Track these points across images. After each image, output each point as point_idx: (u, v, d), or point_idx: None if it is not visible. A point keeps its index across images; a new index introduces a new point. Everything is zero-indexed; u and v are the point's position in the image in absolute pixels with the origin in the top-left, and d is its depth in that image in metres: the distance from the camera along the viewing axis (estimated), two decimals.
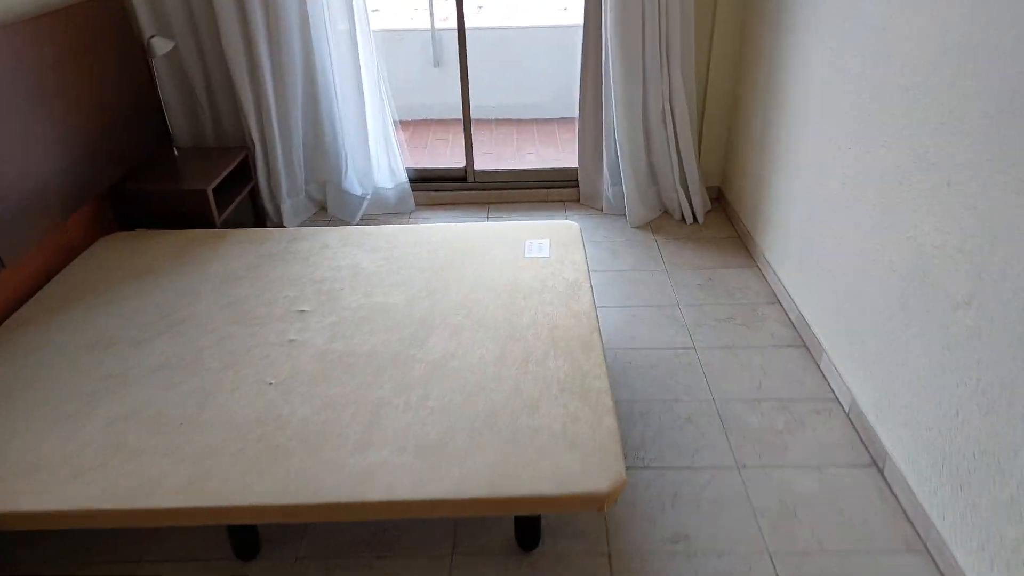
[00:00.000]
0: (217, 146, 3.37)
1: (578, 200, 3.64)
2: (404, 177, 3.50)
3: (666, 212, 3.47)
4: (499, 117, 5.21)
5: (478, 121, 5.14)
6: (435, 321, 2.09)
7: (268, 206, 3.40)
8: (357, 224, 3.46)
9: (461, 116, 3.54)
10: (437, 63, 5.12)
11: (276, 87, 3.16)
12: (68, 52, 2.52)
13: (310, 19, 3.11)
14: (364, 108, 3.30)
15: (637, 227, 3.36)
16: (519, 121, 5.17)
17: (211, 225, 2.82)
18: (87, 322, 2.12)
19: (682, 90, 3.16)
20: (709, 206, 3.49)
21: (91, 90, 2.63)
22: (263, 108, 3.16)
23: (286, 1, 3.01)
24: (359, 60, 3.21)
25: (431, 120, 5.14)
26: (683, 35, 3.09)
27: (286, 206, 3.40)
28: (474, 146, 4.64)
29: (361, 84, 3.25)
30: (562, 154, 4.50)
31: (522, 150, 4.62)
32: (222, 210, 2.92)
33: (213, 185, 2.82)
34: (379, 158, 3.46)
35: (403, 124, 5.10)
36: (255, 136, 3.23)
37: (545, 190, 3.63)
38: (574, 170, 3.61)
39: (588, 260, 3.08)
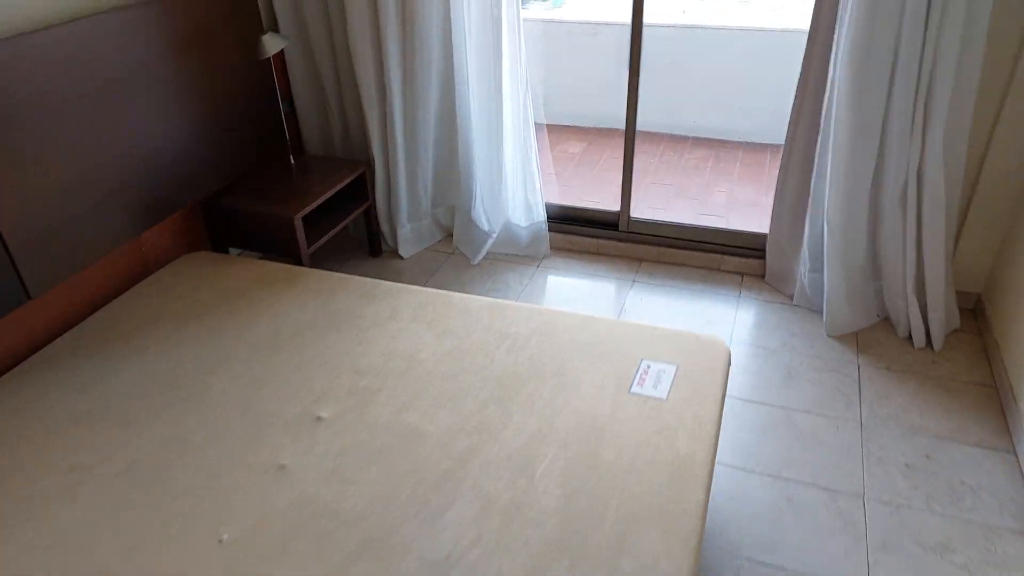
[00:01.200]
0: (341, 157, 3.03)
1: (762, 276, 2.77)
2: (542, 215, 2.89)
3: (885, 322, 2.49)
4: (698, 135, 4.35)
5: (672, 138, 4.33)
6: (465, 482, 1.49)
7: (384, 228, 3.00)
8: (478, 263, 2.93)
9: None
10: None
11: (405, 92, 2.70)
12: (180, 41, 2.26)
13: (451, 9, 2.58)
14: (501, 124, 2.73)
15: (836, 337, 2.43)
16: (723, 143, 4.27)
17: (297, 254, 2.46)
18: (94, 381, 1.82)
19: (940, 162, 2.16)
20: (957, 325, 2.44)
21: (203, 86, 2.36)
22: (388, 116, 2.72)
23: None
24: (501, 62, 2.63)
25: (615, 131, 4.43)
26: (959, 87, 2.09)
27: (404, 231, 2.97)
28: (654, 171, 3.90)
29: (500, 94, 2.68)
30: (765, 197, 3.57)
31: (712, 185, 3.76)
32: (316, 238, 2.55)
33: (305, 212, 2.44)
34: (514, 188, 2.88)
35: (581, 133, 4.45)
36: (376, 149, 2.81)
37: (719, 255, 2.81)
38: (763, 236, 2.74)
39: (744, 382, 2.26)
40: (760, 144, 4.22)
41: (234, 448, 1.60)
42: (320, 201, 2.51)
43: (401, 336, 1.95)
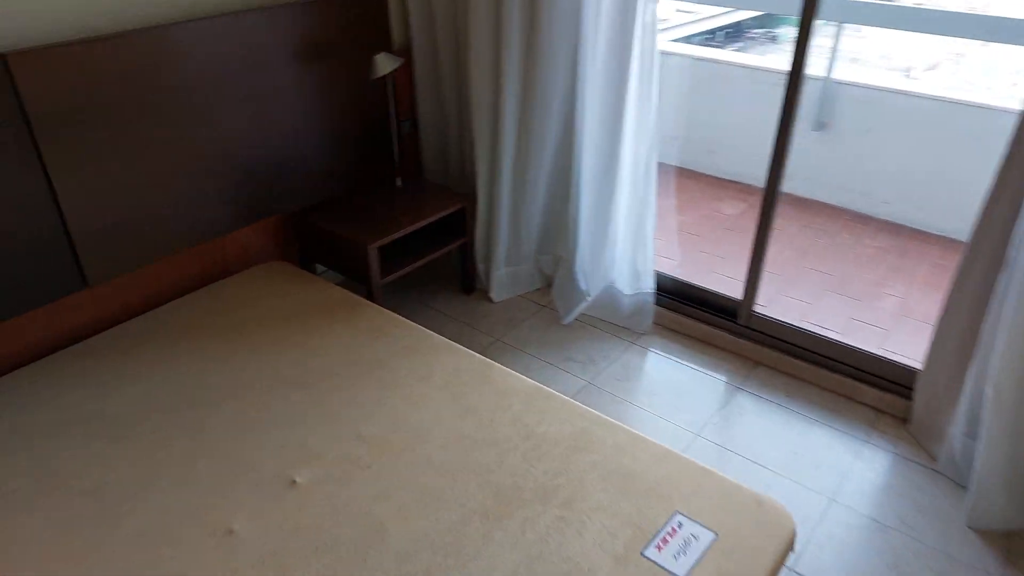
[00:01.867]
0: (449, 187, 2.90)
1: (904, 421, 2.19)
2: (650, 286, 2.54)
3: None
4: (886, 218, 3.68)
5: (853, 216, 3.71)
6: None
7: (480, 267, 2.81)
8: (568, 323, 2.65)
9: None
10: (820, 125, 3.80)
11: (521, 126, 2.49)
12: (309, 49, 2.25)
13: (581, 38, 2.31)
14: (616, 175, 2.42)
15: (978, 531, 1.84)
16: (914, 234, 3.57)
17: (369, 284, 2.35)
18: (114, 384, 1.80)
19: None
20: None
21: (321, 96, 2.34)
22: (498, 149, 2.53)
23: (556, 9, 2.28)
24: (624, 101, 2.31)
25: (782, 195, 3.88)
26: None
27: (498, 274, 2.76)
28: (819, 254, 3.33)
29: (619, 139, 2.37)
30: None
31: (884, 285, 3.13)
32: (396, 268, 2.42)
33: (382, 243, 2.32)
34: (622, 250, 2.55)
35: (744, 192, 3.96)
36: (482, 182, 2.63)
37: (855, 381, 2.27)
38: (913, 372, 2.17)
39: (826, 564, 1.75)
40: (961, 243, 3.48)
41: (192, 500, 1.48)
42: (401, 234, 2.37)
43: (421, 405, 1.74)
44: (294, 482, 1.52)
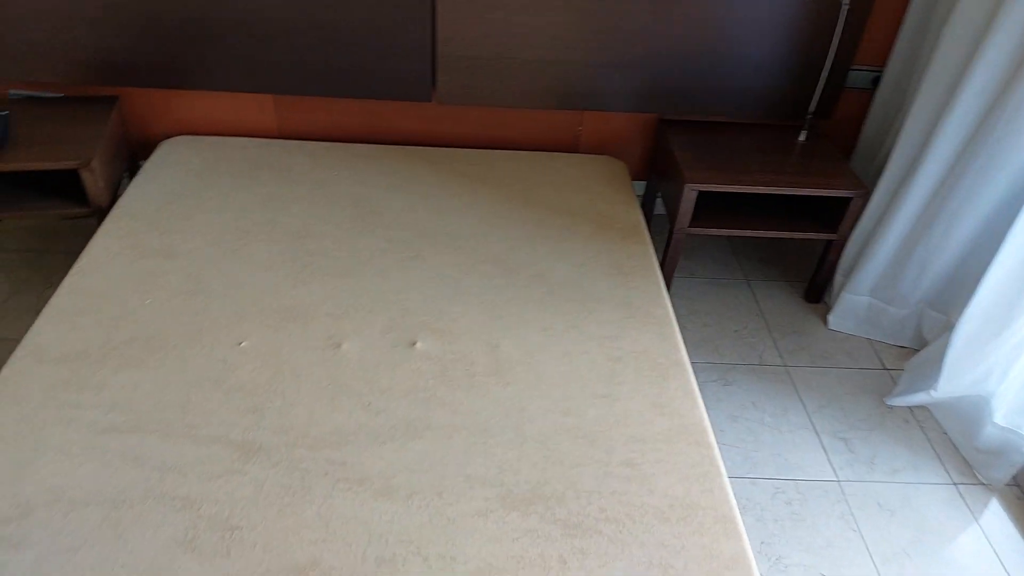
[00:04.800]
0: (860, 170, 2.22)
1: None
2: None
3: None
4: None
5: None
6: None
7: (837, 280, 2.15)
8: (892, 407, 1.89)
9: None
10: None
11: (958, 158, 1.70)
12: None
13: None
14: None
15: None
16: None
17: (671, 222, 2.03)
18: (383, 188, 2.00)
19: None
20: None
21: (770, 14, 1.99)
22: (918, 167, 1.79)
23: None
24: None
25: None
26: None
27: (854, 300, 2.09)
28: None
29: None
30: None
31: None
32: (711, 223, 2.03)
33: (706, 187, 1.93)
34: (1016, 375, 1.64)
35: None
36: (885, 188, 1.94)
37: None
38: None
39: None
40: None
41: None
42: (743, 189, 1.94)
43: (576, 358, 1.51)
44: (414, 344, 1.52)
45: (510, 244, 1.85)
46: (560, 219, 1.95)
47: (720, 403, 1.87)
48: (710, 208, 2.11)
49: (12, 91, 2.04)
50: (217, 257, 1.71)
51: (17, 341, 1.82)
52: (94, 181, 1.82)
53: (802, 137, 2.18)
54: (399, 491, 1.22)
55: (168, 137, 2.17)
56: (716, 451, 1.33)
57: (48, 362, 1.41)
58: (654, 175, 2.33)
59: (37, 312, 1.91)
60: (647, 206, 2.43)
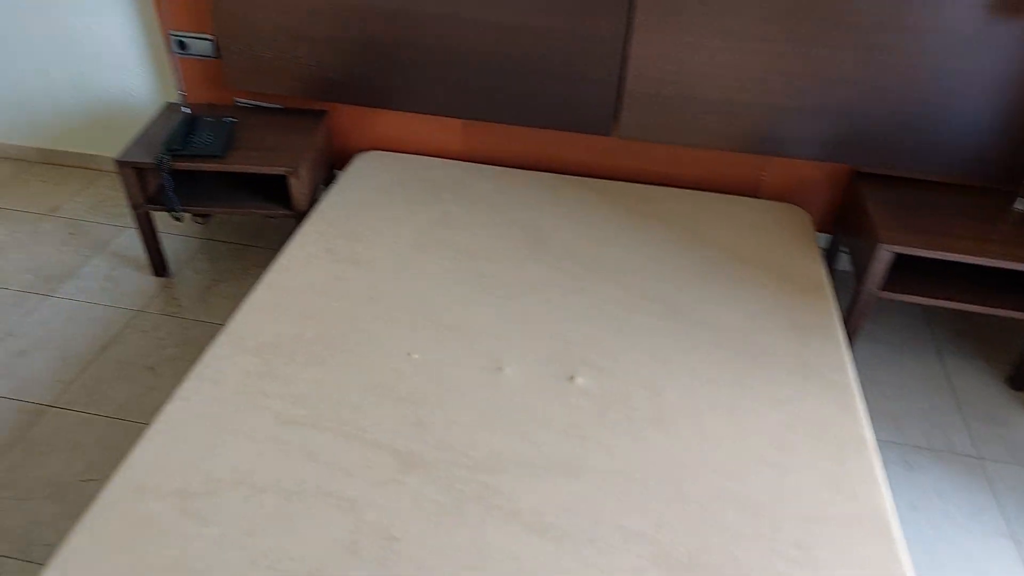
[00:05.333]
0: None
1: None
2: None
3: None
4: None
5: None
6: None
7: None
8: None
9: None
10: None
11: None
12: None
13: None
14: None
15: None
16: None
17: (859, 284, 1.86)
18: (552, 216, 2.00)
19: None
20: None
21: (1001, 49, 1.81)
22: None
23: None
24: None
25: None
26: None
27: None
28: None
29: None
30: None
31: None
32: (905, 287, 1.84)
33: (905, 249, 1.75)
34: None
35: None
36: None
37: None
38: None
39: None
40: None
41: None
42: (943, 255, 1.75)
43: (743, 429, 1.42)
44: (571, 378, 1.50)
45: (678, 285, 1.79)
46: (733, 265, 1.87)
47: (900, 488, 1.69)
48: (904, 271, 1.93)
49: (237, 100, 2.29)
50: (396, 268, 1.80)
51: (219, 325, 2.03)
52: (299, 187, 1.99)
53: (1020, 206, 1.94)
54: (551, 530, 1.21)
55: (362, 150, 2.33)
56: (902, 546, 1.19)
57: (245, 351, 1.54)
58: (841, 229, 2.17)
59: (236, 299, 2.12)
60: (830, 261, 2.27)
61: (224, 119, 2.08)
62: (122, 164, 1.94)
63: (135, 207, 2.02)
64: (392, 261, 1.83)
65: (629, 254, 1.89)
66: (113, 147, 2.60)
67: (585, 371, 1.53)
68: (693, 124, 2.05)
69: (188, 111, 2.14)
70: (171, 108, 2.21)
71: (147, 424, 1.74)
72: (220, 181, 2.13)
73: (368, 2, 1.98)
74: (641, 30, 1.91)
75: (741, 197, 2.14)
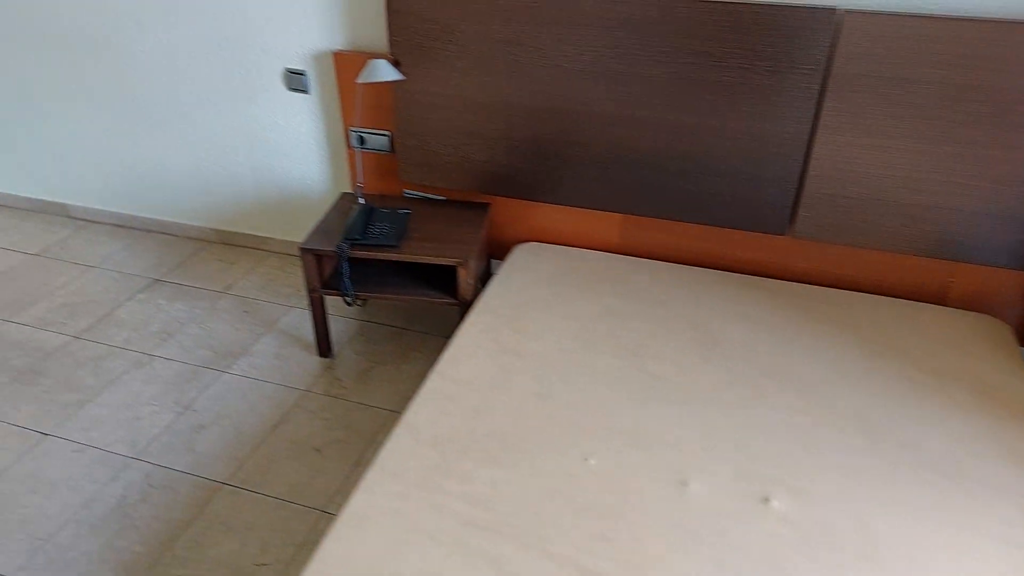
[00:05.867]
0: None
1: None
2: None
3: None
4: None
5: None
6: None
7: None
8: None
9: None
10: None
11: None
12: None
13: None
14: None
15: None
16: None
17: None
18: (723, 321, 1.91)
19: None
20: None
21: None
22: None
23: None
24: None
25: None
26: None
27: None
28: None
29: None
30: None
31: None
32: None
33: None
34: None
35: None
36: None
37: None
38: None
39: None
40: None
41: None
42: None
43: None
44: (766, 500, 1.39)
45: (868, 401, 1.66)
46: (929, 380, 1.72)
47: None
48: None
49: (406, 191, 2.40)
50: (562, 364, 1.78)
51: (379, 409, 2.07)
52: (466, 278, 2.03)
53: None
54: None
55: (519, 241, 2.37)
56: None
57: (423, 443, 1.54)
58: None
59: (395, 383, 2.16)
60: None
61: (399, 211, 2.18)
62: (305, 251, 2.05)
63: (311, 291, 2.12)
64: (558, 356, 1.80)
65: (810, 361, 1.78)
66: (283, 231, 2.78)
67: (780, 493, 1.42)
68: (874, 225, 1.95)
69: (364, 202, 2.26)
70: (346, 198, 2.34)
71: (315, 508, 1.76)
72: (386, 267, 2.21)
73: (544, 103, 2.05)
74: (825, 131, 1.86)
75: (928, 304, 1.99)
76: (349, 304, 2.12)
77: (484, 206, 2.30)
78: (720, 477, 1.46)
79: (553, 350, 1.83)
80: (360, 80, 2.00)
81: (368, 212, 2.14)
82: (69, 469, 1.86)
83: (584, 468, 1.48)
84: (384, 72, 1.97)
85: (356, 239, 2.02)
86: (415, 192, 2.40)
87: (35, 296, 2.55)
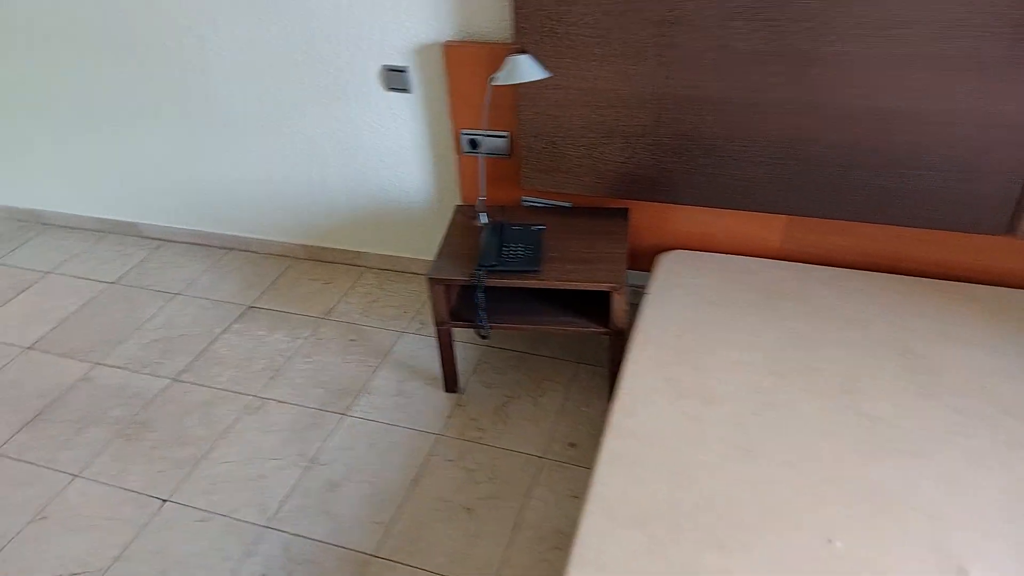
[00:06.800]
0: None
1: None
2: None
3: None
4: None
5: None
6: None
7: None
8: None
9: None
10: None
11: None
12: None
13: None
14: None
15: None
16: None
17: None
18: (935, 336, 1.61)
19: None
20: None
21: None
22: None
23: None
24: None
25: None
26: None
27: None
28: None
29: None
30: None
31: None
32: None
33: None
34: None
35: None
36: None
37: None
38: None
39: None
40: None
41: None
42: None
43: None
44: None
45: None
46: None
47: None
48: None
49: (524, 199, 2.13)
50: (760, 409, 1.51)
51: (527, 455, 1.82)
52: (621, 304, 1.76)
53: None
54: None
55: (660, 249, 2.08)
56: None
57: (622, 524, 1.29)
58: None
59: (535, 421, 1.91)
60: None
61: (532, 227, 1.90)
62: (434, 281, 1.80)
63: (439, 323, 1.87)
64: (751, 398, 1.53)
65: None
66: (379, 244, 2.53)
67: None
68: None
69: (487, 218, 1.99)
70: (462, 212, 2.07)
71: None
72: (516, 291, 1.95)
73: (704, 93, 1.74)
74: None
75: None
76: (484, 338, 1.87)
77: (622, 212, 2.01)
78: (1003, 558, 1.19)
79: (743, 391, 1.55)
80: (498, 82, 1.71)
81: (500, 231, 1.87)
82: (197, 543, 1.66)
83: (829, 552, 1.22)
84: (529, 71, 1.67)
85: (492, 265, 1.76)
86: (535, 200, 2.12)
87: (122, 332, 2.35)
